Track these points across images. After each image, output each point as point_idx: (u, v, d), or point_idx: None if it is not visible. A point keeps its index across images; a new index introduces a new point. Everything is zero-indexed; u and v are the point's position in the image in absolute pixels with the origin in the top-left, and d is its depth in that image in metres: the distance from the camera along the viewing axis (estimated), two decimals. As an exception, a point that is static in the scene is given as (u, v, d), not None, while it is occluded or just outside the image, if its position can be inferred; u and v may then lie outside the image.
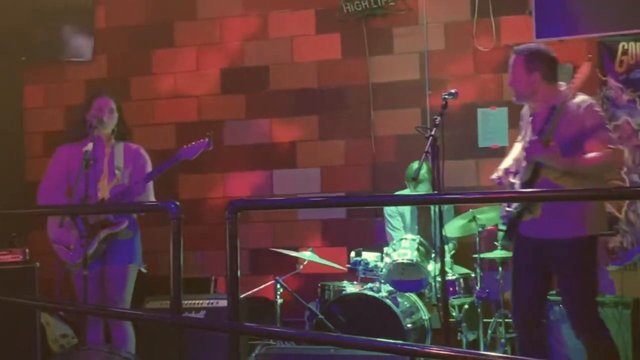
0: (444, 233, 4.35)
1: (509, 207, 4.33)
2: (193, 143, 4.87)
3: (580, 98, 4.20)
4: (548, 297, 5.25)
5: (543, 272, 4.33)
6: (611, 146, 4.16)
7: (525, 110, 4.53)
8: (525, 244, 4.30)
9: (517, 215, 4.25)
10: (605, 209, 4.54)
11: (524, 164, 4.27)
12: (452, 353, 3.28)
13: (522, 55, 4.32)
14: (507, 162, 4.49)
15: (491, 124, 6.61)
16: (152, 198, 4.85)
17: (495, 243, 5.78)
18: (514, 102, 4.45)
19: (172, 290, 3.54)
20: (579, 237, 4.17)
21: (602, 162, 4.14)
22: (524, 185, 4.19)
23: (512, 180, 4.31)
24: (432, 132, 4.39)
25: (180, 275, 3.59)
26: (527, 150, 4.14)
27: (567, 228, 4.17)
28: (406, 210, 6.16)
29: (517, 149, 4.54)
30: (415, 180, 4.63)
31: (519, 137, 4.58)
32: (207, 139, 4.84)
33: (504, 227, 4.41)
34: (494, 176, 4.42)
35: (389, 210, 6.19)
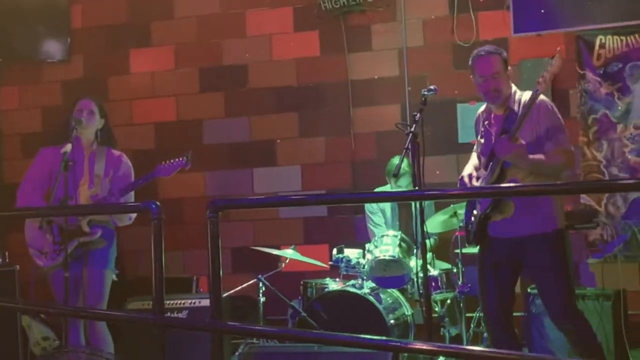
0: (425, 229, 4.35)
1: (476, 210, 4.36)
2: (171, 161, 4.88)
3: (540, 98, 4.20)
4: (529, 290, 5.31)
5: (511, 270, 4.35)
6: (568, 148, 4.22)
7: (482, 112, 4.53)
8: (494, 244, 4.33)
9: (485, 217, 4.28)
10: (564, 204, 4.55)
11: (487, 168, 4.28)
12: (436, 348, 3.29)
13: (498, 55, 4.31)
14: (468, 169, 4.51)
15: (471, 119, 6.56)
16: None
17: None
18: (493, 104, 4.36)
19: (154, 290, 3.52)
20: (551, 232, 4.22)
21: (563, 163, 4.21)
22: None
23: (476, 184, 4.33)
24: (412, 129, 4.38)
25: (162, 276, 3.57)
26: (497, 148, 4.13)
27: (539, 224, 4.21)
28: (387, 206, 6.17)
29: (474, 159, 4.56)
30: (396, 176, 4.63)
31: (475, 146, 4.58)
32: (184, 158, 4.84)
33: (470, 229, 4.43)
34: (460, 184, 4.45)
35: (369, 207, 6.19)
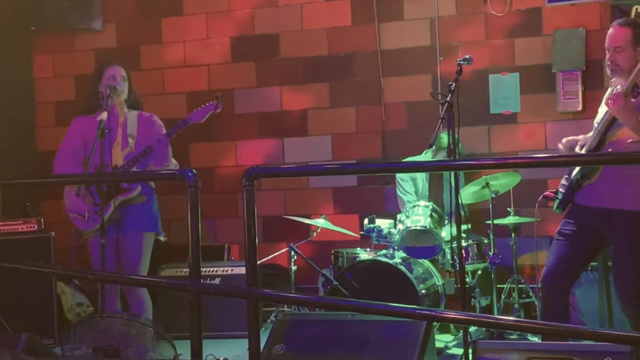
0: (460, 199, 4.35)
1: (567, 177, 4.30)
2: (202, 106, 4.88)
3: None
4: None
5: (591, 240, 4.27)
6: None
7: (613, 80, 4.33)
8: (578, 211, 4.25)
9: (576, 184, 4.23)
10: None
11: (592, 132, 4.21)
12: (470, 317, 3.32)
13: (629, 28, 4.13)
14: (578, 137, 4.40)
15: (503, 90, 6.58)
16: (174, 162, 4.86)
17: (509, 209, 5.79)
18: (611, 76, 4.23)
19: (190, 257, 3.55)
20: (638, 211, 4.12)
21: None
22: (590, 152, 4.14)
23: (578, 151, 4.26)
24: (448, 98, 4.36)
25: (199, 243, 3.60)
26: (611, 99, 3.98)
27: (627, 200, 4.11)
28: (418, 176, 6.16)
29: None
30: (432, 145, 4.60)
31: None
32: (215, 101, 4.83)
33: (559, 195, 4.36)
34: (561, 147, 4.34)
35: (401, 174, 6.18)
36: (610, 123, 4.11)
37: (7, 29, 7.25)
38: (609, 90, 4.34)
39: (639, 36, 4.13)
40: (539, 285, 4.35)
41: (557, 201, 4.33)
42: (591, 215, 4.21)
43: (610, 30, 4.19)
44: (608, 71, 4.24)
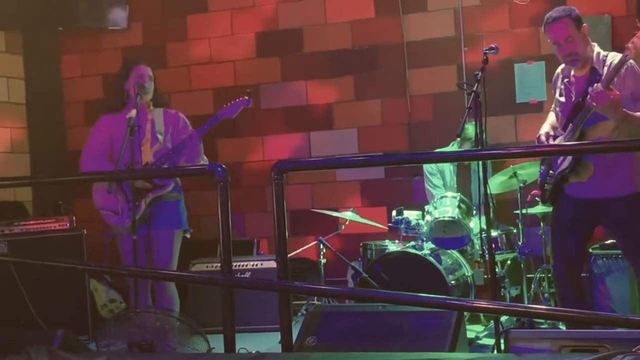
0: (488, 189, 4.35)
1: (552, 170, 4.32)
2: (233, 102, 4.92)
3: (629, 63, 4.06)
4: (591, 251, 5.28)
5: (587, 227, 4.34)
6: None
7: (561, 69, 4.46)
8: (571, 202, 4.30)
9: (562, 178, 4.25)
10: None
11: (565, 128, 4.24)
12: (501, 307, 3.33)
13: (567, 17, 4.18)
14: (545, 128, 4.46)
15: (528, 78, 6.56)
16: (205, 158, 4.91)
17: (537, 199, 5.77)
18: (573, 67, 4.27)
19: (222, 252, 3.60)
20: (630, 195, 4.18)
21: None
22: None
23: (552, 143, 4.28)
24: (475, 88, 4.36)
25: (230, 237, 3.65)
26: (592, 98, 3.99)
27: (618, 186, 4.17)
28: (446, 168, 6.16)
29: (552, 118, 4.51)
30: (459, 135, 4.60)
31: (553, 105, 4.53)
32: (246, 97, 4.88)
33: (546, 188, 4.40)
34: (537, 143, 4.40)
35: (428, 167, 6.19)
36: (584, 115, 4.12)
37: (35, 29, 7.35)
38: (560, 78, 4.39)
39: (577, 18, 4.20)
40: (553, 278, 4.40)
41: (545, 194, 4.38)
42: (584, 205, 4.26)
43: (550, 28, 4.22)
44: (567, 64, 4.29)
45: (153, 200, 4.78)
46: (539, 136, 4.40)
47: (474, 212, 5.65)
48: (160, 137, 4.89)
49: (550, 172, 4.38)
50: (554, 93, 4.52)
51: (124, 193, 4.74)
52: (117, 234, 4.86)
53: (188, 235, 5.02)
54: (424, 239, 5.66)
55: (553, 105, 4.53)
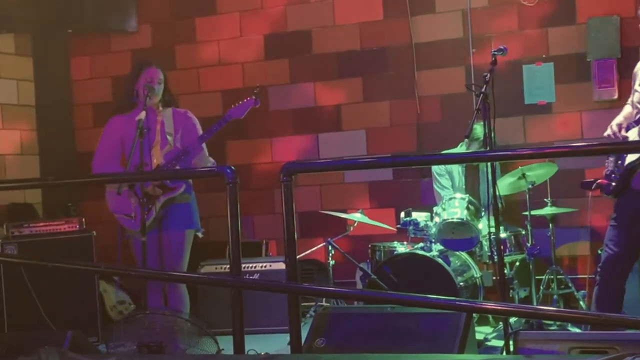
0: (497, 191, 4.35)
1: (620, 161, 4.30)
2: (240, 102, 4.93)
3: None
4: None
5: None
6: None
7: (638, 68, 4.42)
8: (635, 196, 4.27)
9: (631, 169, 4.22)
10: None
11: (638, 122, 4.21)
12: (510, 308, 3.32)
13: None
14: (619, 119, 4.43)
15: (537, 80, 6.55)
16: (211, 160, 4.92)
17: (545, 200, 5.77)
18: None
19: (231, 253, 3.61)
20: None
21: None
22: None
23: (624, 134, 4.26)
24: (483, 89, 4.36)
25: (239, 238, 3.66)
26: None
27: None
28: (454, 169, 6.16)
29: (627, 110, 4.49)
30: (468, 136, 4.61)
31: (630, 97, 4.50)
32: (253, 97, 4.88)
33: (613, 179, 4.37)
34: (608, 132, 4.36)
35: (437, 169, 6.19)
36: None
37: (44, 32, 7.38)
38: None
39: None
40: (598, 270, 4.36)
41: (611, 186, 4.33)
42: None
43: None
44: None
45: (165, 202, 4.80)
46: (611, 125, 4.37)
47: (483, 213, 5.65)
48: (170, 138, 4.90)
49: (619, 162, 4.34)
50: (633, 85, 4.48)
51: (137, 196, 4.75)
52: (130, 235, 4.88)
53: (200, 235, 5.03)
54: (433, 240, 5.66)
55: (630, 98, 4.50)
